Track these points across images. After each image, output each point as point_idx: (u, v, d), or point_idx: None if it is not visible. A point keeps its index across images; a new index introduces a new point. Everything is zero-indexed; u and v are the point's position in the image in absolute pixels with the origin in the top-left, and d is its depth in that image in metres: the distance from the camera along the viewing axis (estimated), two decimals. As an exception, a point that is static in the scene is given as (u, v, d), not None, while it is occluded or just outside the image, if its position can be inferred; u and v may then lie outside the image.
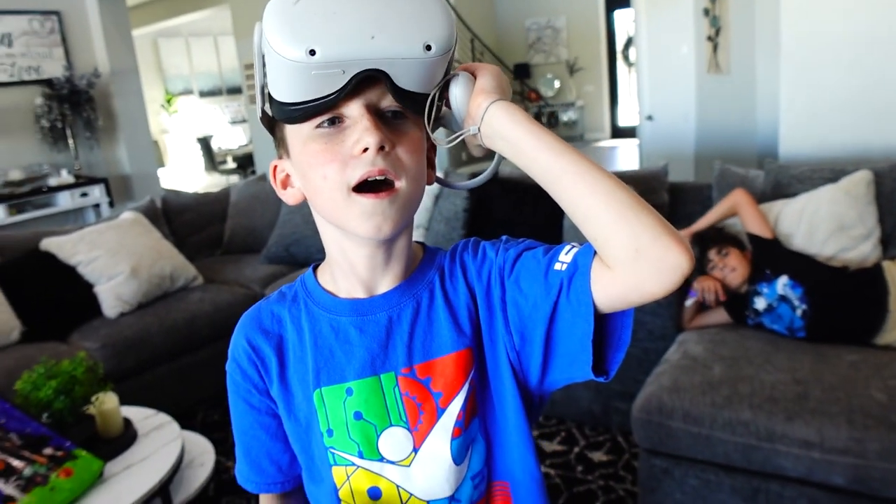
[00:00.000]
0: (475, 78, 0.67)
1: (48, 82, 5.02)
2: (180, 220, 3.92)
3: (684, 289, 2.38)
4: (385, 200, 0.65)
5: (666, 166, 3.14)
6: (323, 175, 0.66)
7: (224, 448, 2.69)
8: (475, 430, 0.74)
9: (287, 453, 0.80)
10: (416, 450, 0.72)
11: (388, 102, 0.65)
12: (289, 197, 0.74)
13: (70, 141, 5.15)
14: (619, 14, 10.71)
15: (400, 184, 0.66)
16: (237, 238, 3.97)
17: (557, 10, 11.02)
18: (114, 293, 3.02)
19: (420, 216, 3.35)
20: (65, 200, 5.00)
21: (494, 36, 11.50)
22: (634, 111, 6.32)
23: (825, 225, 2.29)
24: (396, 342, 0.73)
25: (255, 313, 0.78)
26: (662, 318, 2.34)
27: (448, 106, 0.68)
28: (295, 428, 0.76)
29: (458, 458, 0.73)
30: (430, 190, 3.40)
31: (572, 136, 11.25)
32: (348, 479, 0.73)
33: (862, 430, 1.65)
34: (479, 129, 0.65)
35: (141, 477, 1.81)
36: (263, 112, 0.69)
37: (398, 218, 0.67)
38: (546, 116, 11.38)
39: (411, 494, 0.73)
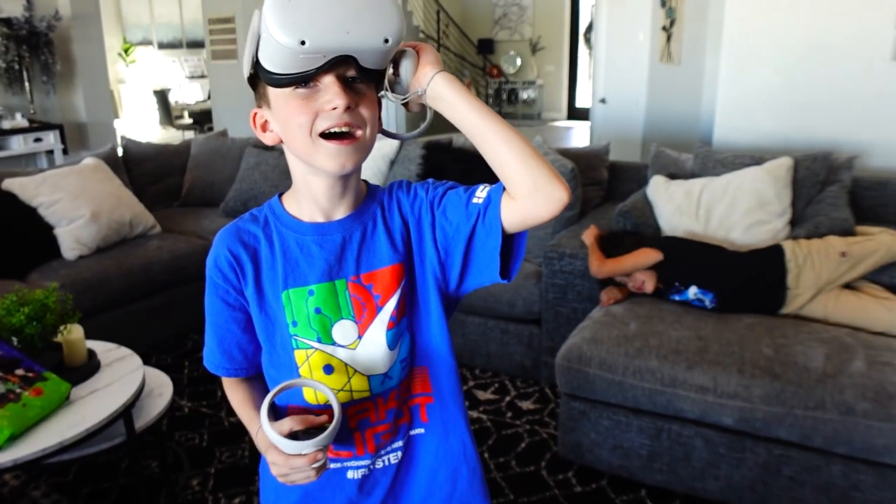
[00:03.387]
0: (417, 54, 0.89)
1: (6, 21, 4.98)
2: (140, 169, 3.99)
3: (603, 283, 2.51)
4: (349, 146, 0.87)
5: (607, 146, 3.36)
6: (298, 124, 0.86)
7: (178, 389, 2.83)
8: (404, 326, 0.98)
9: (252, 344, 1.01)
10: (360, 337, 0.95)
11: (351, 72, 0.86)
12: (268, 139, 0.94)
13: (26, 84, 5.14)
14: (583, -4, 10.89)
15: (361, 132, 0.88)
16: (195, 190, 4.06)
17: (524, -12, 11.13)
18: (73, 236, 3.11)
19: (377, 180, 3.51)
20: (17, 144, 5.00)
21: (461, 9, 11.56)
22: (590, 94, 6.52)
23: (747, 199, 2.57)
24: (348, 257, 0.95)
25: (233, 230, 0.98)
26: (591, 281, 2.57)
27: (396, 74, 0.90)
28: (264, 321, 0.97)
29: (391, 345, 0.96)
30: (387, 156, 3.56)
31: (530, 115, 11.41)
32: (308, 359, 0.95)
33: (749, 378, 1.91)
34: (425, 91, 0.86)
35: (106, 400, 1.94)
36: (251, 75, 0.89)
37: (357, 158, 0.89)
38: (506, 94, 11.53)
39: (356, 370, 0.96)
